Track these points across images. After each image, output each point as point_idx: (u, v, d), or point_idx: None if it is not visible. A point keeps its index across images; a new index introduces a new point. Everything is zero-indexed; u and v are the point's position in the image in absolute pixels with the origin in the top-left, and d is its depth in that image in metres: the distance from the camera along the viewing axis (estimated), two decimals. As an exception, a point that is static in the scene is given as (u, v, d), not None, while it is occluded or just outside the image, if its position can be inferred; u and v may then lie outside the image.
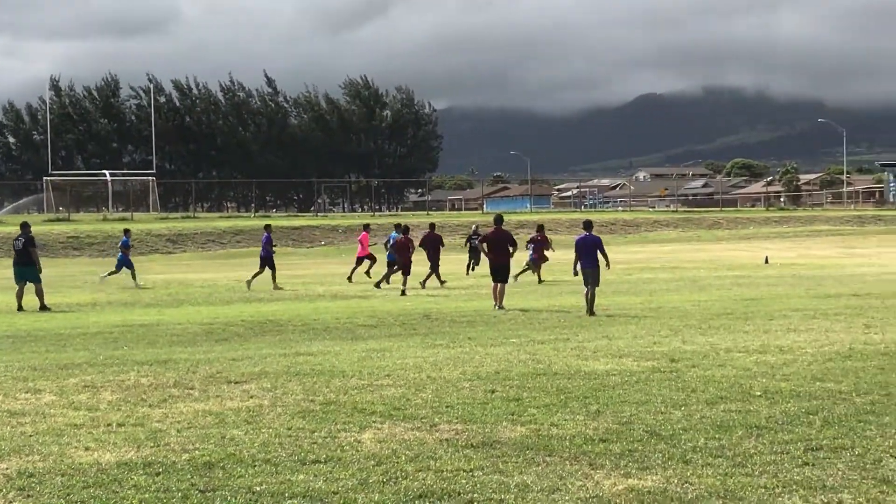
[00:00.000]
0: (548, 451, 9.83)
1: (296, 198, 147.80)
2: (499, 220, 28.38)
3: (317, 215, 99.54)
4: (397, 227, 37.33)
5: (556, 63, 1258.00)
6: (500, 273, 27.27)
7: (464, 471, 9.18)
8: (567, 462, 9.44)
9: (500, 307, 26.20)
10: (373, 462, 9.55)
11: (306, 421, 11.50)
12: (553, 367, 15.27)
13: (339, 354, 17.27)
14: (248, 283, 36.84)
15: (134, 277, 39.37)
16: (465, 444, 10.23)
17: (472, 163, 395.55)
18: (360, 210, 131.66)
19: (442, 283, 36.25)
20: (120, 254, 41.16)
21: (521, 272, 37.60)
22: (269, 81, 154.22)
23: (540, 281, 37.06)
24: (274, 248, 38.42)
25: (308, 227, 79.25)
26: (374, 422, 11.42)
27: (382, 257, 39.92)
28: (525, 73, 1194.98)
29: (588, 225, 26.29)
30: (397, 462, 9.54)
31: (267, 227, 39.92)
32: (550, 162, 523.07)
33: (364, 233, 43.59)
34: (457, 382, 13.95)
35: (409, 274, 33.63)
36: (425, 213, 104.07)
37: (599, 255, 24.83)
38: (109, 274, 40.88)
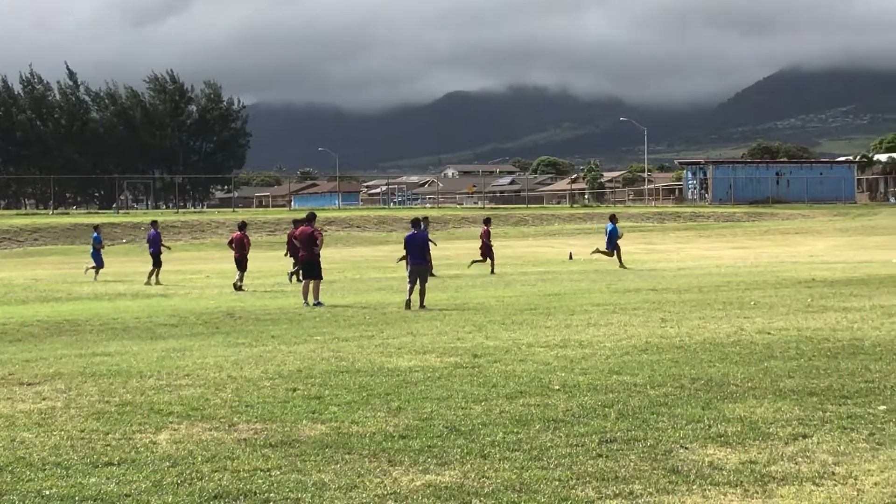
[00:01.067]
0: (347, 449, 9.82)
1: (97, 194, 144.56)
2: (310, 217, 28.48)
3: (118, 212, 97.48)
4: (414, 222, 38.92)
5: (365, 59, 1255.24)
6: (307, 269, 27.34)
7: (261, 470, 9.11)
8: (366, 459, 9.45)
9: (318, 303, 26.24)
10: (168, 463, 9.40)
11: (100, 423, 11.26)
12: (356, 364, 15.27)
13: (137, 354, 16.97)
14: (147, 283, 36.68)
15: (95, 273, 39.76)
16: (263, 443, 10.15)
17: (279, 159, 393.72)
18: (164, 207, 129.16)
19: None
20: (92, 250, 41.31)
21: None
22: (71, 74, 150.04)
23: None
24: (164, 245, 39.02)
25: (109, 225, 77.43)
26: (170, 422, 11.24)
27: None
28: (333, 69, 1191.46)
29: (416, 223, 26.70)
30: (193, 463, 9.41)
31: (154, 223, 40.22)
32: (360, 159, 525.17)
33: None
34: (258, 381, 13.83)
35: (244, 270, 33.40)
36: (231, 209, 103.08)
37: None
38: (93, 268, 40.81)
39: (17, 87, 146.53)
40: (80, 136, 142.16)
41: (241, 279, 32.71)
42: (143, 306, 27.30)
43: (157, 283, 36.45)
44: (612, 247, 42.05)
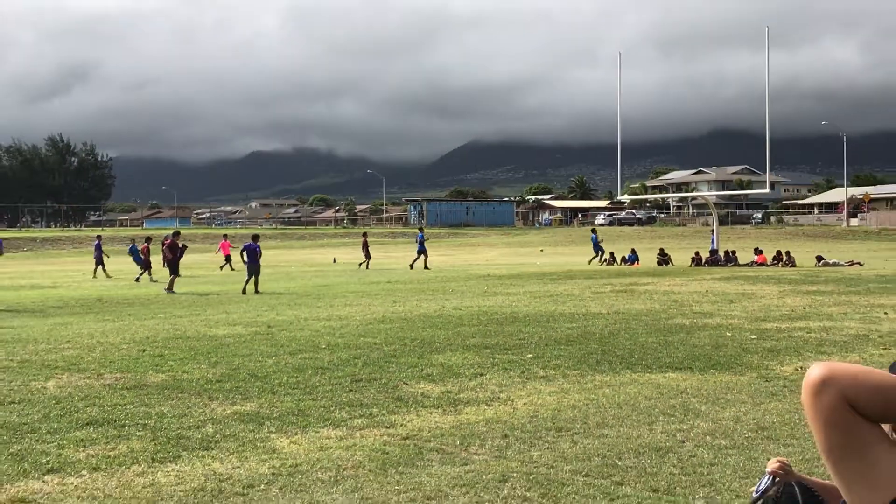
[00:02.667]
0: (180, 390, 9.49)
1: (6, 217, 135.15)
2: (174, 234, 28.47)
3: (21, 229, 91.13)
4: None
5: (193, 126, 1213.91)
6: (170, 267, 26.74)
7: (120, 405, 8.71)
8: (193, 396, 9.16)
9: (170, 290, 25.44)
10: (54, 401, 8.88)
11: (6, 374, 10.53)
12: (187, 332, 14.79)
13: (33, 327, 15.94)
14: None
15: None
16: (121, 387, 9.71)
17: (136, 194, 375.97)
18: (53, 226, 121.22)
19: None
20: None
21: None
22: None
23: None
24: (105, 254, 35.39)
25: (14, 238, 72.77)
26: (56, 373, 10.61)
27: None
28: (171, 132, 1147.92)
29: (255, 237, 26.94)
30: (72, 401, 8.91)
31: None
32: (189, 193, 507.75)
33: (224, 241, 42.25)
34: (118, 345, 13.22)
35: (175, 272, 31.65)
36: (101, 228, 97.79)
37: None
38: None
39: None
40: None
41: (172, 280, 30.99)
42: (39, 294, 25.60)
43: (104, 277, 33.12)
44: (598, 250, 40.54)
